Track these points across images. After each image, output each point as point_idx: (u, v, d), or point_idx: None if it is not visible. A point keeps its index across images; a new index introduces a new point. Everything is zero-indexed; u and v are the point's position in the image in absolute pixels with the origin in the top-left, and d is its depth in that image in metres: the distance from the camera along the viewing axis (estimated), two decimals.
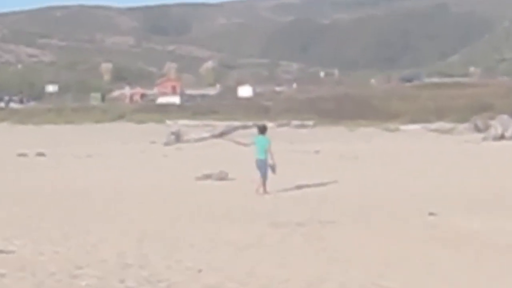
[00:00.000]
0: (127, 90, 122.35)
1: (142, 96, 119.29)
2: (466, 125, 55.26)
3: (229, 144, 30.38)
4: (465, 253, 10.41)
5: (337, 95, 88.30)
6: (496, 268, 9.50)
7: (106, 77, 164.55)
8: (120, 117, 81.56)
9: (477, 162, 27.41)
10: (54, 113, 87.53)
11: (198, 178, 20.95)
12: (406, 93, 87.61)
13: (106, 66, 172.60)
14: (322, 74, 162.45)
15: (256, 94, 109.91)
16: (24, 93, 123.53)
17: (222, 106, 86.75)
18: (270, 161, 17.70)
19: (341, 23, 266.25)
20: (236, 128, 57.49)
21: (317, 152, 33.99)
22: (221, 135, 50.18)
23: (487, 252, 10.46)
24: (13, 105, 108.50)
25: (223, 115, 76.54)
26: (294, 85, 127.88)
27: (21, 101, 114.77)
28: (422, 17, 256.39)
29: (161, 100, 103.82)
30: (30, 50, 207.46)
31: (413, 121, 63.13)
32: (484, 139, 43.88)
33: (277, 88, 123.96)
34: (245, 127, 56.33)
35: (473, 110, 63.35)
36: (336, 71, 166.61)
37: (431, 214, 13.85)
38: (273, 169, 17.73)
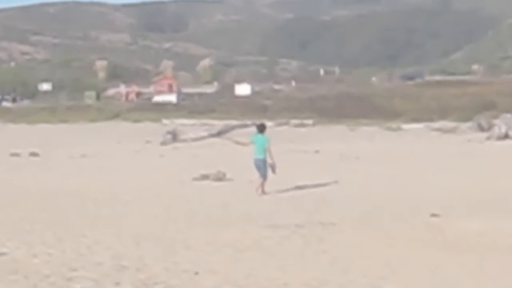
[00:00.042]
0: (122, 89, 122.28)
1: (138, 94, 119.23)
2: (469, 124, 55.28)
3: (227, 144, 30.38)
4: (467, 255, 10.43)
5: (338, 93, 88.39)
6: (499, 270, 9.52)
7: (101, 75, 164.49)
8: (115, 116, 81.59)
9: (480, 162, 27.41)
10: (47, 112, 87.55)
11: (195, 179, 20.95)
12: (408, 92, 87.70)
13: (101, 64, 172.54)
14: (321, 72, 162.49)
15: (254, 92, 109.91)
16: (17, 91, 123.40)
17: (220, 105, 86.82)
18: (269, 161, 17.70)
19: (341, 20, 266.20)
20: (234, 127, 57.50)
21: (316, 152, 33.99)
22: (219, 134, 50.19)
23: (490, 254, 10.48)
24: (5, 104, 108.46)
25: (221, 114, 76.60)
26: (293, 83, 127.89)
27: (14, 100, 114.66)
28: (425, 13, 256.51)
29: (157, 98, 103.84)
30: (23, 48, 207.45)
31: (415, 120, 63.19)
32: (488, 138, 43.88)
33: (276, 86, 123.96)
34: (243, 126, 56.38)
35: (477, 109, 63.43)
36: (336, 69, 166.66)
37: (433, 215, 13.85)
38: (273, 168, 17.74)
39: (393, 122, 62.96)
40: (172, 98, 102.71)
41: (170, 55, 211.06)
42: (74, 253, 10.58)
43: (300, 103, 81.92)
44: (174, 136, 47.58)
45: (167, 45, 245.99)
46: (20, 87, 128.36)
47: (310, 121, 66.90)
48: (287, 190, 18.28)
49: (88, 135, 56.12)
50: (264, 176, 17.67)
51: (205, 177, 21.01)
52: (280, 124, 61.43)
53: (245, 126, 54.90)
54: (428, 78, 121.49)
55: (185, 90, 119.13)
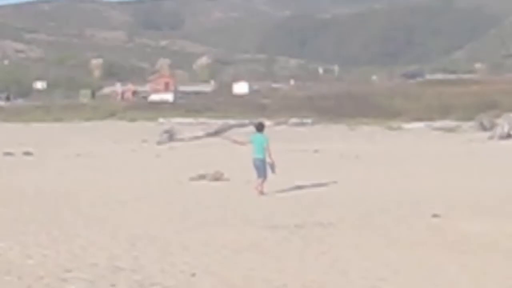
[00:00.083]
0: (118, 87, 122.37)
1: (134, 93, 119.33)
2: (471, 123, 55.40)
3: (225, 143, 30.38)
4: (469, 257, 10.43)
5: (337, 92, 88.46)
6: (501, 272, 9.52)
7: (97, 73, 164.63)
8: (111, 115, 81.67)
9: (482, 162, 27.43)
10: (42, 111, 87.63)
11: (192, 179, 20.94)
12: (409, 91, 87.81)
13: (96, 62, 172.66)
14: (321, 70, 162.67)
15: (252, 91, 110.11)
16: (11, 90, 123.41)
17: (217, 104, 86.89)
18: (268, 160, 17.68)
19: (341, 18, 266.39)
20: (231, 126, 57.53)
21: (316, 151, 34.01)
22: (216, 133, 50.23)
23: (491, 256, 10.48)
24: None
25: (218, 112, 76.69)
26: (292, 82, 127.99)
27: (7, 99, 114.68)
28: (426, 11, 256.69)
29: (154, 97, 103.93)
30: (17, 46, 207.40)
31: (416, 119, 63.31)
32: (490, 138, 43.96)
33: (274, 85, 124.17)
34: (241, 125, 56.41)
35: (479, 108, 63.52)
36: (336, 67, 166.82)
37: (434, 216, 13.85)
38: (273, 168, 17.71)
39: (394, 121, 63.07)
40: (168, 96, 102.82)
41: (167, 53, 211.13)
42: (69, 254, 10.57)
43: (299, 102, 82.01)
44: (171, 136, 47.61)
45: (163, 43, 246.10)
46: (14, 85, 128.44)
47: (309, 120, 66.99)
48: (286, 190, 18.27)
49: (83, 134, 56.13)
50: (264, 176, 17.64)
51: (202, 177, 21.00)
52: (278, 123, 61.49)
53: (243, 125, 54.94)
54: (430, 76, 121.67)
55: (182, 88, 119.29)
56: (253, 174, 18.01)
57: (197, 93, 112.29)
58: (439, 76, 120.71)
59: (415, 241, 11.64)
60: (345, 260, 10.18)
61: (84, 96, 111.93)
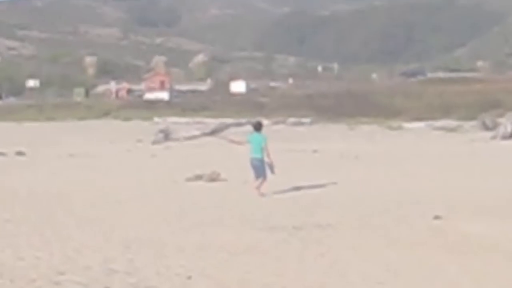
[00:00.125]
0: (112, 85, 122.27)
1: (129, 91, 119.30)
2: (473, 123, 55.45)
3: (222, 143, 30.38)
4: (471, 259, 10.44)
5: (337, 90, 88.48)
6: (501, 273, 9.53)
7: (90, 71, 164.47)
8: (105, 114, 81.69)
9: (484, 163, 27.46)
10: (34, 110, 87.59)
11: (188, 179, 20.93)
12: (410, 89, 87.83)
13: (90, 60, 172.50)
14: (320, 68, 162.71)
15: (250, 89, 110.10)
16: (2, 88, 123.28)
17: (214, 103, 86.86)
18: (267, 160, 17.65)
19: (340, 15, 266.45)
20: (228, 126, 57.56)
21: (315, 151, 34.02)
22: (213, 133, 50.25)
23: (494, 258, 10.49)
24: None
25: (215, 111, 76.68)
26: (291, 80, 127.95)
27: None
28: (427, 8, 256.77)
29: (149, 96, 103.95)
30: (9, 43, 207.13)
31: (417, 118, 63.34)
32: (493, 138, 43.99)
33: (273, 84, 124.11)
34: (238, 124, 56.40)
35: (481, 107, 63.58)
36: (335, 66, 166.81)
37: (436, 217, 13.87)
38: (271, 168, 17.70)
39: (394, 120, 63.12)
40: (164, 95, 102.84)
41: (162, 50, 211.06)
42: (62, 256, 10.57)
43: (298, 100, 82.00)
44: (166, 135, 47.61)
45: (159, 40, 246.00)
46: (6, 83, 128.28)
47: (308, 120, 67.02)
48: (284, 191, 18.27)
49: (76, 133, 56.12)
50: (263, 176, 17.61)
51: (198, 177, 21.00)
52: (276, 123, 61.53)
53: (240, 124, 54.94)
54: (431, 75, 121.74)
55: (178, 87, 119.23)
56: (251, 174, 18.00)
57: (193, 91, 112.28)
58: (441, 74, 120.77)
59: (415, 241, 11.66)
60: (344, 262, 10.19)
61: (77, 94, 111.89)
